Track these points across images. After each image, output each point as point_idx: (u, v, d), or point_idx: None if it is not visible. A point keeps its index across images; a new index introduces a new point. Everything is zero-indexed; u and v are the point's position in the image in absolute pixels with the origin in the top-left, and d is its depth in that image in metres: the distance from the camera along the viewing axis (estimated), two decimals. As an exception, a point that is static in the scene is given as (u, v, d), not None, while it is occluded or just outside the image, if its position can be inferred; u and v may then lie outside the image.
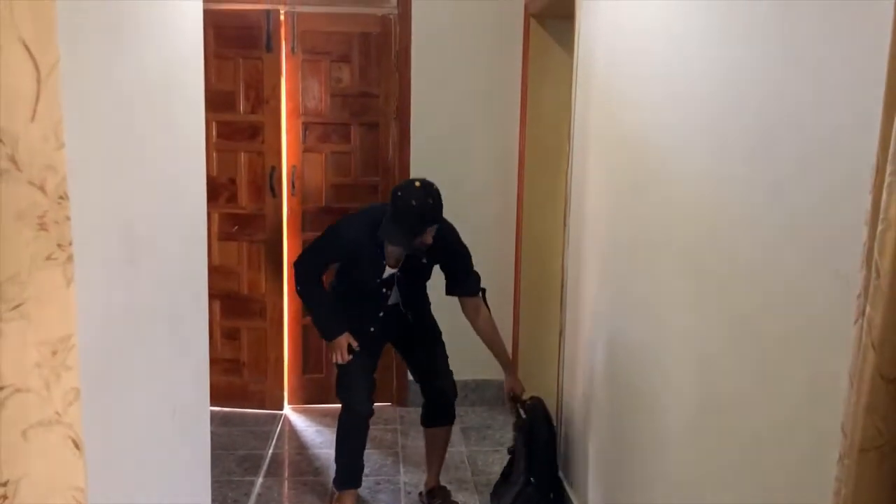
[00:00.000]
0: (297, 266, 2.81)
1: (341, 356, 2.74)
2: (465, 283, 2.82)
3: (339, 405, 2.88)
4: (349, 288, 2.84)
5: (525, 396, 2.93)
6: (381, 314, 2.81)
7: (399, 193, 2.58)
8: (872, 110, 0.85)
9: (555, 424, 2.93)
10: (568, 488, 2.88)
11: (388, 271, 2.75)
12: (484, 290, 2.85)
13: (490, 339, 2.88)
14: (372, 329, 2.81)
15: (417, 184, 2.59)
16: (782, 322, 1.31)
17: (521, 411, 2.86)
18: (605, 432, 2.45)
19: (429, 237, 2.60)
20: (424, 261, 2.74)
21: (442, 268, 2.81)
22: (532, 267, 3.85)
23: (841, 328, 1.05)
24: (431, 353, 2.89)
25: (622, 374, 2.28)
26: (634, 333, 2.16)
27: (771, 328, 1.35)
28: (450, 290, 2.84)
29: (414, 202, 2.53)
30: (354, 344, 2.75)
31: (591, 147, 2.65)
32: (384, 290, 2.78)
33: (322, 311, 2.81)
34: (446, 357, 2.90)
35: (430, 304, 2.94)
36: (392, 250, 2.70)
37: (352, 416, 2.84)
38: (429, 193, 2.57)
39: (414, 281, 2.81)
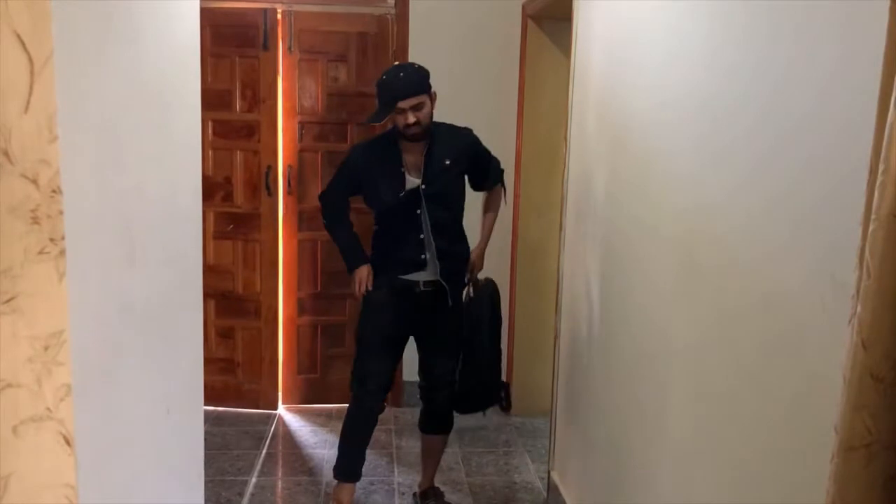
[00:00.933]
0: (322, 198, 2.91)
1: (359, 287, 2.79)
2: (487, 178, 2.92)
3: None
4: (386, 249, 2.80)
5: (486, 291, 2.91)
6: (424, 278, 2.74)
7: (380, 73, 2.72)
8: (872, 113, 0.85)
9: (500, 309, 2.95)
10: (562, 486, 2.89)
11: (411, 182, 2.70)
12: (502, 172, 2.97)
13: (487, 214, 2.98)
14: (414, 294, 2.77)
15: (396, 62, 2.66)
16: (779, 321, 1.31)
17: (470, 288, 2.89)
18: (601, 433, 2.45)
19: (409, 116, 2.59)
20: (447, 162, 2.71)
21: (465, 169, 2.81)
22: (528, 269, 3.86)
23: (837, 329, 1.06)
24: (445, 362, 2.84)
25: (617, 376, 2.29)
26: (630, 335, 2.16)
27: (767, 327, 1.35)
28: (475, 187, 2.94)
29: (384, 76, 2.64)
30: (370, 283, 2.78)
31: (588, 148, 2.65)
32: (415, 209, 2.70)
33: (345, 243, 2.87)
34: (455, 369, 2.86)
35: (467, 275, 2.88)
36: (408, 157, 2.71)
37: (360, 409, 2.82)
38: (401, 69, 2.67)
39: (443, 197, 2.74)
